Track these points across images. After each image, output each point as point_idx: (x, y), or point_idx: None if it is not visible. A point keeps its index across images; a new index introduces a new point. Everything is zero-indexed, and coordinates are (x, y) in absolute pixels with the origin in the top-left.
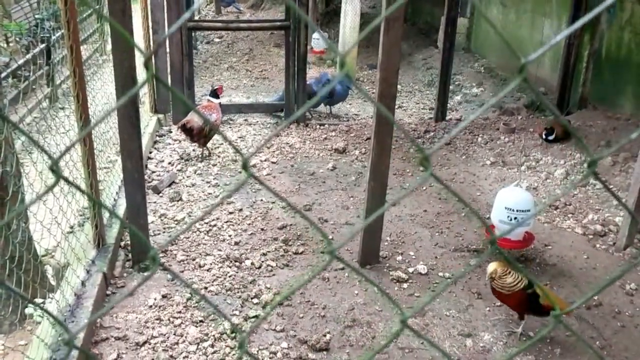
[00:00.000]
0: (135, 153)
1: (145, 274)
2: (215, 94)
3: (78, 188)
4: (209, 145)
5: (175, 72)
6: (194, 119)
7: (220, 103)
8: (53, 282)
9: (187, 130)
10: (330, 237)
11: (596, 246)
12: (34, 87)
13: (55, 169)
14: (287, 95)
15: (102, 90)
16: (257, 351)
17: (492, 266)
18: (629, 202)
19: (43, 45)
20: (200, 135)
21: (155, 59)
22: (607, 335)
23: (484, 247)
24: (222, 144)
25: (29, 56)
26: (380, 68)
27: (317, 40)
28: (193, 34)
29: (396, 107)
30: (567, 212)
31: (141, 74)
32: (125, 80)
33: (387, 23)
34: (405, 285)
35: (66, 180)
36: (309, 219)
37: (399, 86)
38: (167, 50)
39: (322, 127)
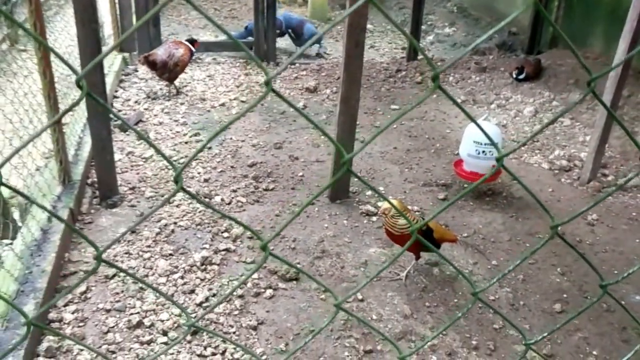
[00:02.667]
0: (98, 86)
1: (113, 210)
2: (191, 42)
3: None
4: (176, 83)
5: (139, 7)
6: (157, 52)
7: (192, 50)
8: (20, 223)
9: (149, 63)
10: (301, 174)
11: (561, 180)
12: None
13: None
14: (257, 32)
15: (65, 31)
16: (228, 282)
17: (386, 203)
18: (594, 137)
19: None
20: (165, 70)
21: None
22: (568, 262)
23: (452, 182)
24: (190, 82)
25: None
26: None
27: None
28: None
29: (369, 46)
30: (534, 149)
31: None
32: (84, 12)
33: None
34: (374, 219)
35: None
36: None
37: (371, 26)
38: None
39: (292, 66)
